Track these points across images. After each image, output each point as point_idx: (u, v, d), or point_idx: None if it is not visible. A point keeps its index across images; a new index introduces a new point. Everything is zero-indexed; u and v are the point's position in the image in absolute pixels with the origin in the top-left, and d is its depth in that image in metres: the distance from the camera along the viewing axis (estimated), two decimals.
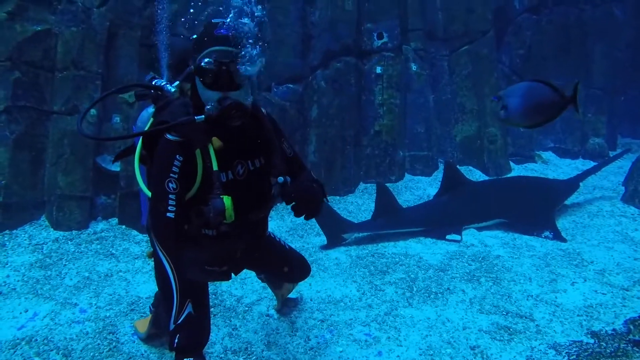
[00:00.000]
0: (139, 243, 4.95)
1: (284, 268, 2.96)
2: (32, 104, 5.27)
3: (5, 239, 4.90)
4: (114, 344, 3.36)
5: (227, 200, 2.04)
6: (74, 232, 5.10)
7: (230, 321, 3.60)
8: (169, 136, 2.08)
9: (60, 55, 5.43)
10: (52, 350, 3.30)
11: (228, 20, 2.05)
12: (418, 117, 7.19)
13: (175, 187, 2.00)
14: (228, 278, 2.22)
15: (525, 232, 5.17)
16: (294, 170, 2.47)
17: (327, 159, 6.34)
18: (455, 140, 7.50)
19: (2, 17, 5.17)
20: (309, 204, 2.24)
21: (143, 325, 3.35)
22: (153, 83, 2.47)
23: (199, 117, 2.03)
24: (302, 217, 2.27)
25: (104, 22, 5.60)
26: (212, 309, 3.64)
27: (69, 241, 4.93)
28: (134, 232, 5.14)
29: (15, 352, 3.27)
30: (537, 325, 3.50)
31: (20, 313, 3.72)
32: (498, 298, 3.90)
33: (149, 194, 2.16)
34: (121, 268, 4.44)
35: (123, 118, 5.53)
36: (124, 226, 5.24)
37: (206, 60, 1.99)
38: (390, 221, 5.06)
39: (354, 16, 6.57)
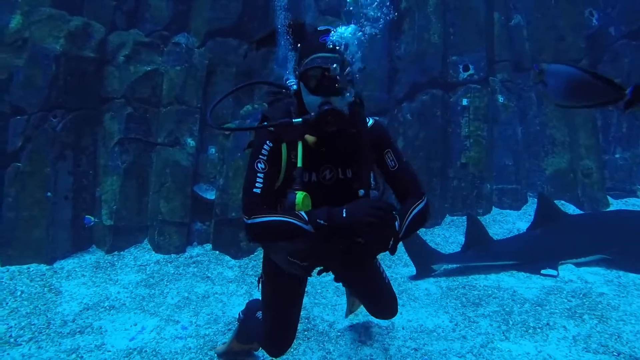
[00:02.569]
0: (232, 268, 5.16)
1: (370, 300, 2.90)
2: (141, 136, 5.79)
3: (115, 259, 5.32)
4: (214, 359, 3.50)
5: (299, 195, 2.04)
6: (172, 255, 5.44)
7: (324, 345, 3.63)
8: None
9: (166, 91, 5.95)
10: None
11: (333, 29, 2.09)
12: (506, 150, 7.00)
13: (263, 167, 2.12)
14: (307, 274, 2.30)
15: (631, 269, 4.79)
16: (398, 187, 2.35)
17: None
18: (545, 173, 7.19)
19: (121, 60, 5.79)
20: (375, 237, 2.05)
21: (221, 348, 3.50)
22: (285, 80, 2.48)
23: (296, 120, 2.10)
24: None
25: (203, 61, 6.10)
26: (305, 332, 3.72)
27: (169, 263, 5.25)
28: (227, 258, 5.38)
29: None
30: None
31: (131, 326, 4.00)
32: (606, 337, 3.63)
33: None
34: (217, 290, 4.65)
35: (218, 149, 5.90)
36: (217, 251, 5.50)
37: (309, 65, 2.06)
38: (481, 253, 4.91)
39: (440, 49, 6.63)
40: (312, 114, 2.08)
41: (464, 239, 5.26)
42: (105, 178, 5.62)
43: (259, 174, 2.11)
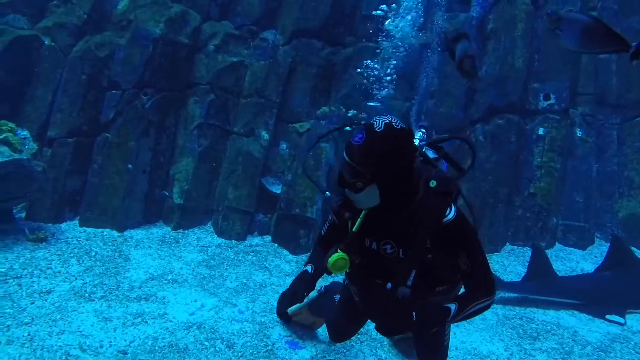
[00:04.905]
0: (289, 262, 5.28)
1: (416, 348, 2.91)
2: (219, 123, 6.03)
3: (179, 236, 5.56)
4: (269, 347, 3.60)
5: (334, 256, 2.19)
6: (233, 241, 5.62)
7: (376, 352, 3.66)
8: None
9: (247, 83, 6.17)
10: (217, 339, 3.65)
11: (380, 122, 2.03)
12: (578, 186, 6.75)
13: (330, 218, 2.47)
14: (344, 337, 2.76)
15: None
16: (469, 283, 2.32)
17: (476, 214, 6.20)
18: (618, 215, 6.86)
19: (211, 49, 6.07)
20: (422, 326, 2.19)
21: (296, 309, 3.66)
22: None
23: (327, 194, 2.55)
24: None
25: (287, 58, 6.28)
26: (359, 336, 3.76)
27: (229, 249, 5.43)
28: (285, 252, 5.50)
29: (188, 333, 3.68)
30: None
31: (191, 302, 4.19)
32: None
33: None
34: (274, 282, 4.77)
35: (290, 145, 6.05)
36: (276, 244, 5.63)
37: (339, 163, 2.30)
38: (543, 287, 4.77)
39: (522, 74, 6.51)
40: (335, 200, 2.36)
41: (523, 270, 5.13)
42: (181, 158, 5.89)
43: (327, 222, 2.53)
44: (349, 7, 6.68)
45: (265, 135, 6.01)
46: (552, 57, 6.66)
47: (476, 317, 4.36)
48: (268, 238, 5.78)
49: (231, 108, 6.14)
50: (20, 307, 3.70)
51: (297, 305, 3.55)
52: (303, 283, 2.67)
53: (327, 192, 2.87)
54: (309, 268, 2.68)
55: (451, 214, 2.12)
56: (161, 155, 5.89)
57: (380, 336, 3.87)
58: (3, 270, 4.23)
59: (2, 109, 5.56)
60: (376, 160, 1.94)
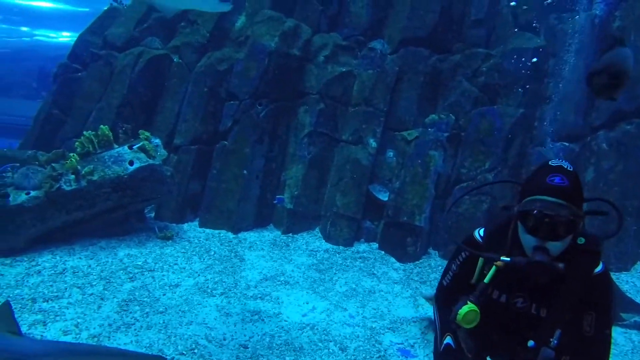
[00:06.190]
0: (396, 270, 5.25)
1: None
2: (328, 131, 6.19)
3: (289, 240, 5.78)
4: (382, 353, 3.61)
5: (465, 308, 2.00)
6: (340, 247, 5.72)
7: None
8: (476, 234, 2.20)
9: (356, 92, 6.28)
10: (330, 341, 3.73)
11: (566, 164, 1.91)
12: None
13: (455, 269, 2.28)
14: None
15: None
16: (579, 351, 2.03)
17: (601, 228, 5.72)
18: None
19: (321, 60, 6.27)
20: None
21: None
22: None
23: (504, 259, 2.00)
24: None
25: (394, 67, 6.29)
26: None
27: (337, 254, 5.53)
28: (392, 259, 5.48)
29: (302, 333, 3.81)
30: None
31: (303, 303, 4.33)
32: None
33: None
34: (382, 288, 4.77)
35: (398, 153, 6.04)
36: (383, 252, 5.63)
37: (528, 208, 1.91)
38: None
39: None
40: (521, 260, 1.94)
41: None
42: (292, 165, 6.14)
43: (450, 272, 2.31)
44: (458, 13, 6.55)
45: (372, 143, 6.06)
46: None
47: None
48: (375, 245, 5.80)
49: (339, 116, 6.28)
50: (155, 297, 4.08)
51: None
52: None
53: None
54: (450, 341, 2.30)
55: (601, 266, 1.97)
56: (273, 161, 6.18)
57: None
58: (139, 263, 4.69)
59: (139, 120, 6.21)
60: (581, 200, 1.90)
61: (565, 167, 1.90)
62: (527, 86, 6.10)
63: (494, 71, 6.10)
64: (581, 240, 1.94)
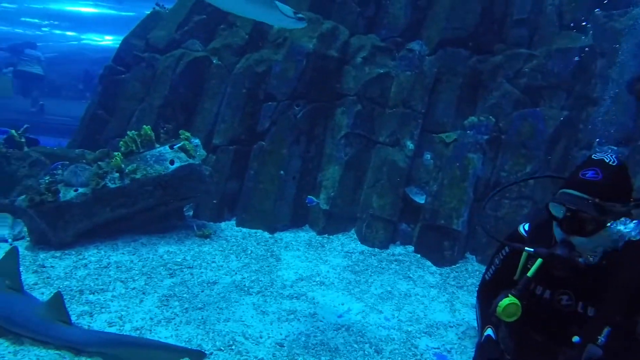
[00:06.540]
0: (433, 274, 5.18)
1: None
2: (365, 133, 6.18)
3: (324, 241, 5.80)
4: (418, 356, 3.58)
5: (505, 301, 1.94)
6: (376, 249, 5.69)
7: None
8: (520, 229, 2.17)
9: (393, 94, 6.24)
10: (365, 343, 3.72)
11: (608, 157, 1.87)
12: None
13: (497, 263, 2.26)
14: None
15: None
16: (627, 354, 1.95)
17: None
18: None
19: (358, 61, 6.27)
20: None
21: None
22: None
23: (529, 249, 1.98)
24: None
25: (432, 69, 6.22)
26: None
27: (372, 256, 5.51)
28: (428, 263, 5.41)
29: (338, 333, 3.82)
30: None
31: (339, 304, 4.33)
32: None
33: None
34: (418, 292, 4.72)
35: (435, 156, 5.96)
36: (419, 255, 5.57)
37: (556, 200, 1.90)
38: None
39: None
40: (543, 252, 1.92)
41: None
42: (328, 166, 6.15)
43: (492, 266, 2.30)
44: (499, 13, 6.41)
45: (410, 145, 6.01)
46: None
47: None
48: (410, 248, 5.74)
49: (377, 118, 6.25)
50: (194, 294, 4.17)
51: None
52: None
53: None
54: (491, 332, 2.27)
55: None
56: (310, 162, 6.21)
57: None
58: (178, 260, 4.81)
59: (180, 120, 6.37)
60: (619, 196, 1.83)
61: (607, 160, 1.84)
62: (573, 88, 5.92)
63: (537, 72, 5.94)
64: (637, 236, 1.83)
